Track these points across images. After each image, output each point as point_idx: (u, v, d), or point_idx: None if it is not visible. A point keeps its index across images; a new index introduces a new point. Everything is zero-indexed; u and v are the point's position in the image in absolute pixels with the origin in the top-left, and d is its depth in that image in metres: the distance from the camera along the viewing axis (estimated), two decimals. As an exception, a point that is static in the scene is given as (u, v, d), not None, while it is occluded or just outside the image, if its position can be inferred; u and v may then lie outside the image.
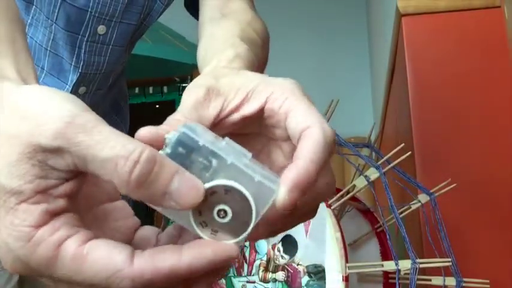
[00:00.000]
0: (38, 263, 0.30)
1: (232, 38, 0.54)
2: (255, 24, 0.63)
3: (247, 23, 0.62)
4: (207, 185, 0.31)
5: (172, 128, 0.33)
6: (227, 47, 0.50)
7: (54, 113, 0.30)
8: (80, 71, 0.76)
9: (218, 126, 0.37)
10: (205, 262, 0.30)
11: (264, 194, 0.31)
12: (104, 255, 0.30)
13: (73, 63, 0.76)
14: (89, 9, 0.72)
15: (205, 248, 0.31)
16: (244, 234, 0.32)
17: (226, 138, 0.33)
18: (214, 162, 0.31)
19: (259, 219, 0.32)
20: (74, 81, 0.77)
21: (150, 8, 0.78)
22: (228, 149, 0.32)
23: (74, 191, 0.31)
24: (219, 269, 0.32)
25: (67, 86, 0.77)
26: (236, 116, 0.37)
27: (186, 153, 0.31)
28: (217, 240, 0.32)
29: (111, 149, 0.29)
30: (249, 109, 0.37)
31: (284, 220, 0.35)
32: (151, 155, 0.30)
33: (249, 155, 0.32)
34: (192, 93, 0.37)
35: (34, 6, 0.73)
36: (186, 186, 0.30)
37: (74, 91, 0.77)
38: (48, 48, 0.75)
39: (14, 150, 0.30)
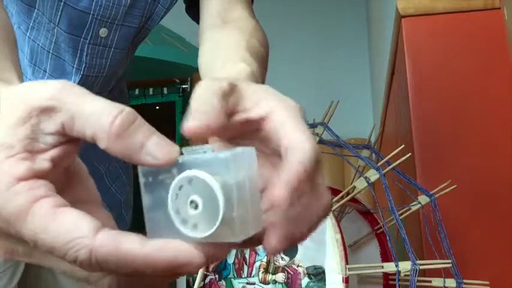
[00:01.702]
0: (10, 212, 0.31)
1: (241, 50, 0.56)
2: (258, 35, 0.65)
3: (250, 33, 0.63)
4: (173, 182, 0.32)
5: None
6: (238, 60, 0.53)
7: (49, 83, 0.34)
8: (82, 73, 0.77)
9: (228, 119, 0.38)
10: (164, 258, 0.31)
11: (222, 168, 0.31)
12: (72, 219, 0.31)
13: (75, 66, 0.76)
14: (91, 12, 0.72)
15: (169, 244, 0.31)
16: (217, 224, 0.31)
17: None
18: (174, 170, 0.32)
19: (236, 198, 0.31)
20: (76, 83, 0.76)
21: (152, 11, 0.78)
22: (186, 156, 0.33)
23: (58, 158, 0.34)
24: (176, 271, 0.32)
25: None
26: (242, 116, 0.38)
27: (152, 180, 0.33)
28: (196, 234, 0.31)
29: (96, 105, 0.32)
30: (255, 113, 0.38)
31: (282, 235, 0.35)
32: (133, 111, 0.32)
33: (208, 147, 0.32)
34: (215, 83, 0.37)
35: (36, 10, 0.73)
36: (164, 142, 0.32)
37: None
38: (51, 51, 0.76)
39: (13, 114, 0.33)
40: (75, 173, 0.36)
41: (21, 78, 0.43)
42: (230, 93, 0.37)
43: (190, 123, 0.34)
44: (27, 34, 0.75)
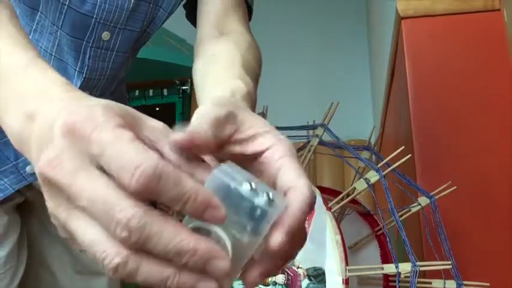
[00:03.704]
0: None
1: (237, 67, 0.59)
2: (253, 51, 0.68)
3: (247, 49, 0.66)
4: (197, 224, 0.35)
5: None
6: (236, 77, 0.56)
7: None
8: (84, 76, 0.77)
9: (221, 148, 0.41)
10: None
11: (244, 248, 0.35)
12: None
13: (77, 69, 0.77)
14: (94, 16, 0.73)
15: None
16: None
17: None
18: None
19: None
20: (78, 86, 0.77)
21: (154, 16, 0.79)
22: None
23: None
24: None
25: None
26: (238, 149, 0.41)
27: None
28: None
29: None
30: (252, 148, 0.41)
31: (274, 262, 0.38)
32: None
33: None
34: (214, 110, 0.41)
35: (39, 13, 0.74)
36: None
37: None
38: (53, 54, 0.76)
39: None
40: None
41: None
42: (227, 121, 0.40)
43: (176, 136, 0.37)
44: (30, 37, 0.75)
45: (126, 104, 1.08)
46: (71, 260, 0.93)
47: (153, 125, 0.37)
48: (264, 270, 0.38)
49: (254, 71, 0.63)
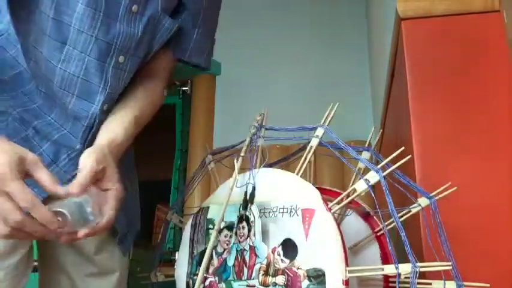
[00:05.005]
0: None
1: (130, 117, 1.01)
2: (153, 107, 1.13)
3: (148, 103, 1.09)
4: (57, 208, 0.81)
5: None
6: (119, 126, 0.98)
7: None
8: (107, 91, 0.99)
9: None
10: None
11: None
12: None
13: (102, 86, 0.99)
14: (114, 44, 0.97)
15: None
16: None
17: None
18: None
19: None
20: (102, 100, 0.99)
21: (151, 46, 1.06)
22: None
23: None
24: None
25: (95, 105, 0.99)
26: (100, 185, 0.88)
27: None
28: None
29: None
30: (104, 186, 0.88)
31: None
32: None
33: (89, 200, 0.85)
34: (94, 166, 0.86)
35: (67, 46, 0.95)
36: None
37: (100, 108, 1.01)
38: (80, 76, 0.97)
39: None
40: None
41: None
42: (99, 172, 0.85)
43: (74, 187, 0.82)
44: (59, 66, 0.96)
45: None
46: (84, 263, 1.13)
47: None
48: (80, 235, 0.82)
49: (135, 124, 1.01)
